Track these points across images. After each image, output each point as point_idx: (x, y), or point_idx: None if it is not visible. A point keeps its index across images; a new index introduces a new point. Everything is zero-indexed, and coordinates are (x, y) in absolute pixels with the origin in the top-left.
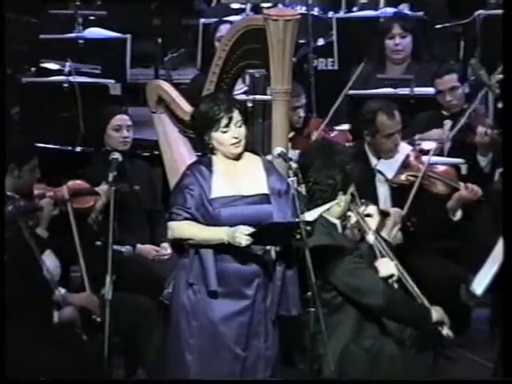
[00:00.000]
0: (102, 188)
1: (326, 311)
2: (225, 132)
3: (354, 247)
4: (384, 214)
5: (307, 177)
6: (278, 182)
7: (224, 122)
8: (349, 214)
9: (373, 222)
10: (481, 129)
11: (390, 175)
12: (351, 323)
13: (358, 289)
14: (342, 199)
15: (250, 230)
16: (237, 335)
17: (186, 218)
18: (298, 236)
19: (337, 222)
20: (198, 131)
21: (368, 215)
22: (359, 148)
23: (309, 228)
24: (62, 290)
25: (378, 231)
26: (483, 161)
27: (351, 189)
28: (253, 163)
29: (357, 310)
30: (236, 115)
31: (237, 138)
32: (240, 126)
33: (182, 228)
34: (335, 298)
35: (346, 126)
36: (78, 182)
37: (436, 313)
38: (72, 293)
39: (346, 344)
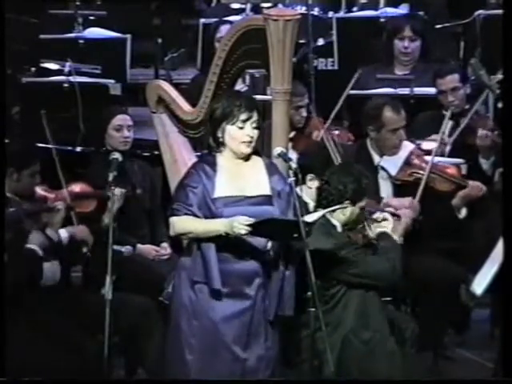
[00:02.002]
0: (114, 192)
1: (328, 307)
2: (241, 128)
3: (352, 243)
4: (393, 216)
5: (323, 175)
6: (281, 183)
7: (243, 117)
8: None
9: (386, 228)
10: (482, 131)
11: (393, 172)
12: (352, 316)
13: (365, 274)
14: (349, 209)
15: (249, 220)
16: (237, 335)
17: (186, 214)
18: (296, 235)
19: (338, 224)
20: (213, 124)
21: (384, 219)
22: (361, 145)
23: (307, 229)
24: (63, 230)
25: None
26: (485, 163)
27: (362, 203)
28: (256, 164)
29: (357, 302)
30: (255, 116)
31: (251, 137)
32: (255, 128)
33: (182, 222)
34: (337, 292)
35: (347, 126)
36: (79, 185)
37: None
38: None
39: (345, 335)
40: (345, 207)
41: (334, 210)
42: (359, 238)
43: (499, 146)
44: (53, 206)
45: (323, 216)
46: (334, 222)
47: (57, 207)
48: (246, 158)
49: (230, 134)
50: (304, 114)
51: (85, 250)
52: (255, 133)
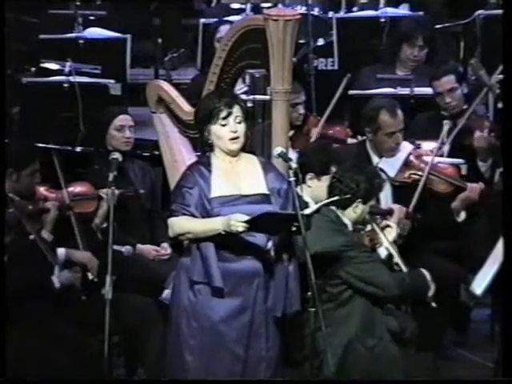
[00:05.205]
0: (106, 192)
1: (332, 306)
2: (223, 125)
3: (362, 244)
4: (387, 213)
5: (335, 172)
6: (278, 181)
7: (223, 114)
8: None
9: (390, 235)
10: (479, 133)
11: (391, 173)
12: (357, 320)
13: (370, 281)
14: (360, 207)
15: (245, 217)
16: (238, 336)
17: (184, 215)
18: (294, 228)
19: (348, 222)
20: (200, 126)
21: (387, 226)
22: (361, 146)
23: (305, 221)
24: (62, 249)
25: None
26: (483, 166)
27: (372, 202)
28: (251, 163)
29: (363, 307)
30: (236, 110)
31: (235, 132)
32: (239, 122)
33: (181, 222)
34: (343, 292)
35: (345, 123)
36: (80, 185)
37: (428, 273)
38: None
39: (349, 340)
40: (348, 197)
41: (335, 204)
42: (366, 240)
43: (497, 147)
44: (43, 206)
45: (334, 213)
46: (345, 220)
47: (46, 207)
48: (241, 157)
49: (215, 134)
50: (301, 111)
51: (91, 276)
52: (240, 127)
